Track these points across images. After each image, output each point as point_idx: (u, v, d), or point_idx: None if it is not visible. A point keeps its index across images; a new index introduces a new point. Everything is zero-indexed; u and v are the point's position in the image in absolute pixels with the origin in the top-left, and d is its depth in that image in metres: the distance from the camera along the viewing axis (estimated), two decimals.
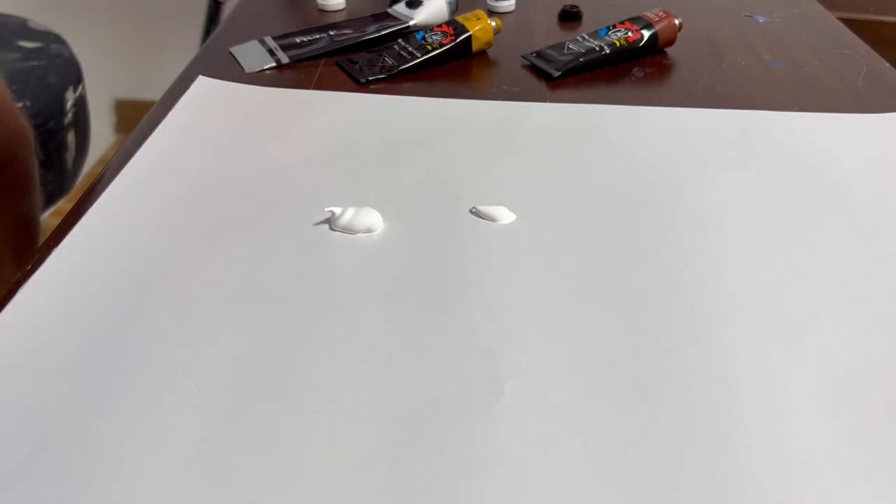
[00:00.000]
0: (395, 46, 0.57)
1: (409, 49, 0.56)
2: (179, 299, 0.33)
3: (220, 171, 0.42)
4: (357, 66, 0.55)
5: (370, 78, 0.54)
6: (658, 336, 0.31)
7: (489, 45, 0.58)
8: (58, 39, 1.31)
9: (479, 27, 0.56)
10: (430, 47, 0.55)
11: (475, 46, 0.57)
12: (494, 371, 0.29)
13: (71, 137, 1.27)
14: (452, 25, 0.56)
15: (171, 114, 0.48)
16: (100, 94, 1.46)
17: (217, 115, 0.48)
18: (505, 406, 0.28)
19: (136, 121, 0.50)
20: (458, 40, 0.56)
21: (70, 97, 1.27)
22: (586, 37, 0.57)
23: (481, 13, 0.57)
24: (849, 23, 0.67)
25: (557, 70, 0.54)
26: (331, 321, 0.32)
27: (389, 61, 0.55)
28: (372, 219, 0.37)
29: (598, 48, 0.55)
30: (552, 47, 0.57)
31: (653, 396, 0.28)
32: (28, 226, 0.66)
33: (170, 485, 0.25)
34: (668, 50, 0.60)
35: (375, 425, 0.27)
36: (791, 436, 0.27)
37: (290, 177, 0.42)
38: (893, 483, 0.25)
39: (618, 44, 0.56)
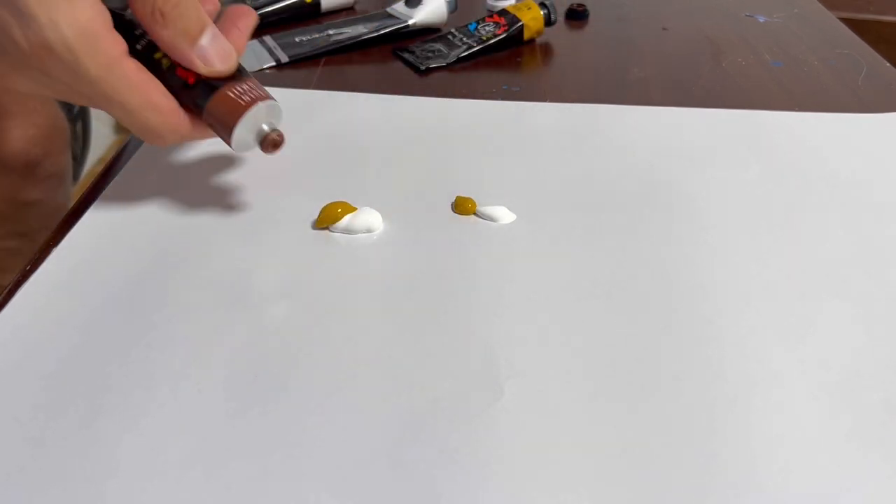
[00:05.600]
0: (449, 36, 0.59)
1: (464, 39, 0.58)
2: (179, 299, 0.33)
3: (219, 170, 0.42)
4: (414, 56, 0.57)
5: (431, 66, 0.56)
6: (658, 336, 0.31)
7: (540, 33, 0.60)
8: None
9: (531, 16, 0.59)
10: (484, 37, 0.58)
11: (527, 35, 0.59)
12: (494, 371, 0.29)
13: (79, 128, 1.27)
14: (504, 16, 0.59)
15: None
16: None
17: None
18: (505, 406, 0.28)
19: None
20: (511, 30, 0.58)
21: None
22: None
23: (531, 2, 0.60)
24: (849, 23, 0.67)
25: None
26: (331, 321, 0.32)
27: (444, 50, 0.57)
28: (372, 219, 0.37)
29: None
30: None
31: (653, 396, 0.28)
32: (61, 216, 0.66)
33: (170, 485, 0.25)
34: (669, 50, 0.60)
35: (375, 425, 0.27)
36: (791, 436, 0.27)
37: (289, 177, 0.42)
38: (893, 483, 0.25)
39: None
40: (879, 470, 0.26)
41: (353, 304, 0.33)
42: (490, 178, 0.42)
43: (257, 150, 0.35)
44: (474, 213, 0.38)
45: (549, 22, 0.60)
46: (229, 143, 0.34)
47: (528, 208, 0.39)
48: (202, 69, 0.33)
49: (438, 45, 0.58)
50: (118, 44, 0.31)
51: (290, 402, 0.28)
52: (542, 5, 0.60)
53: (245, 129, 0.34)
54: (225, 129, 0.34)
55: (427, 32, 0.62)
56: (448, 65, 0.56)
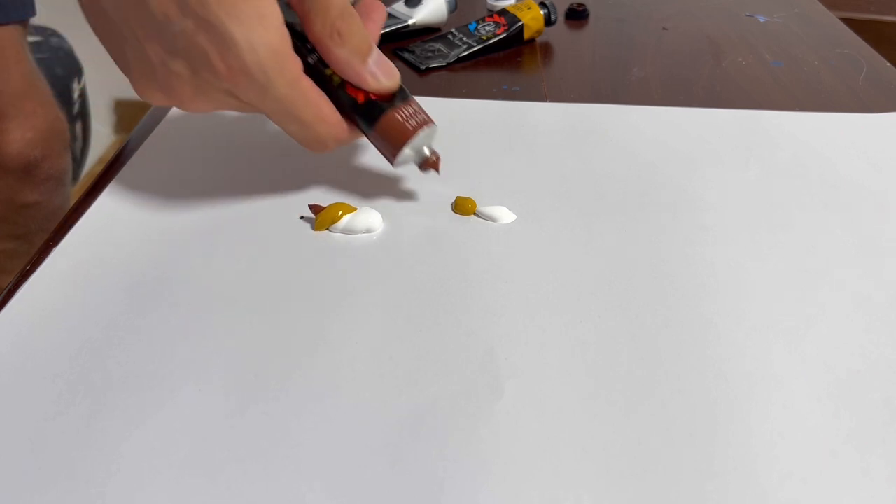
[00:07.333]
0: (449, 36, 0.60)
1: (464, 38, 0.59)
2: (179, 299, 0.33)
3: (219, 170, 0.42)
4: (414, 55, 0.58)
5: (431, 66, 0.56)
6: (658, 336, 0.31)
7: (539, 33, 0.61)
8: (55, 33, 1.30)
9: (531, 16, 0.59)
10: (484, 37, 0.58)
11: (527, 35, 0.60)
12: (494, 371, 0.29)
13: (79, 128, 1.27)
14: (504, 16, 0.60)
15: (169, 114, 0.48)
16: (99, 94, 1.46)
17: (217, 115, 0.48)
18: (505, 406, 0.28)
19: (136, 121, 0.50)
20: (511, 30, 0.59)
21: (76, 88, 1.27)
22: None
23: (531, 2, 0.60)
24: (849, 22, 0.67)
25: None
26: (331, 321, 0.32)
27: (444, 50, 0.58)
28: (372, 219, 0.37)
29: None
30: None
31: (653, 396, 0.28)
32: (59, 218, 0.66)
33: (170, 485, 0.25)
34: (669, 50, 0.60)
35: (375, 425, 0.27)
36: (791, 436, 0.27)
37: (289, 177, 0.42)
38: (894, 483, 0.25)
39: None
40: (881, 470, 0.26)
41: (352, 305, 0.33)
42: (490, 178, 0.42)
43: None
44: (474, 213, 0.38)
45: (549, 22, 0.60)
46: (391, 162, 0.36)
47: (528, 208, 0.39)
48: (374, 86, 0.33)
49: (438, 45, 0.58)
50: (298, 63, 0.31)
51: (290, 401, 0.28)
52: (542, 5, 0.60)
53: (408, 151, 0.36)
54: (390, 151, 0.35)
55: (427, 32, 0.62)
56: (448, 64, 0.56)
